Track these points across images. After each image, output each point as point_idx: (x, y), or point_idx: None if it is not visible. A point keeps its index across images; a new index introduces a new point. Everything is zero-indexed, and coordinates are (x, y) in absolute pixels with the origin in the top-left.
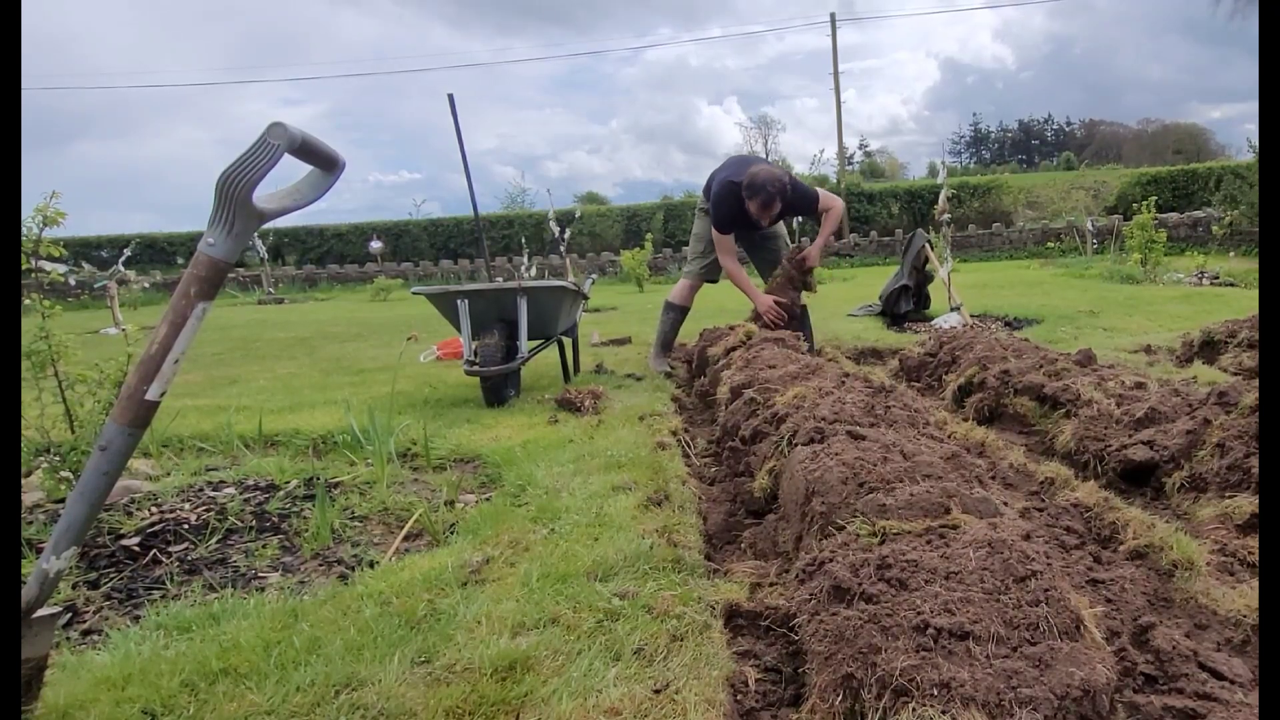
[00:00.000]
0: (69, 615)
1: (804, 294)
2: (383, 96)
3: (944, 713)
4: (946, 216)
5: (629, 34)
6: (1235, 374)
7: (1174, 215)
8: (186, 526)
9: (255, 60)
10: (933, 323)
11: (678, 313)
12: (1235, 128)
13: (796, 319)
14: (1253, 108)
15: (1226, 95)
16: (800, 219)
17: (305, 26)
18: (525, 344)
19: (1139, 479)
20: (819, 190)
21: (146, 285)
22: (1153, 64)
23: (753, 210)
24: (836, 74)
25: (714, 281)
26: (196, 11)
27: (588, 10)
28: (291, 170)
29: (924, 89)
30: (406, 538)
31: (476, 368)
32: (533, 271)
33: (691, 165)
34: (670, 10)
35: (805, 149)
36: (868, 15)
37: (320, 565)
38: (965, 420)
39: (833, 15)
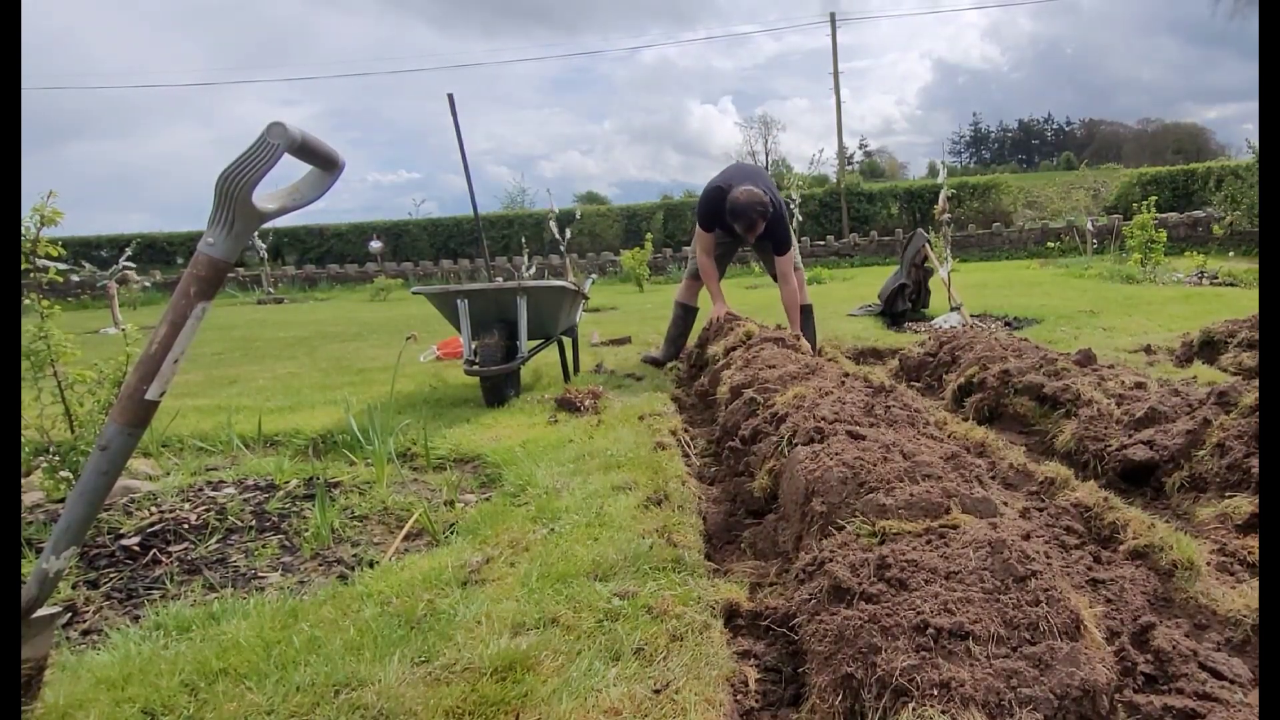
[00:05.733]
0: (69, 615)
1: (806, 292)
2: (380, 97)
3: (944, 713)
4: (946, 216)
5: (616, 35)
6: (1235, 374)
7: (1174, 215)
8: (186, 526)
9: (253, 61)
10: (932, 323)
11: (680, 309)
12: (1233, 128)
13: None
14: (1249, 108)
15: (1221, 96)
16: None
17: (301, 27)
18: (525, 344)
19: (1139, 479)
20: (793, 241)
21: (147, 285)
22: (1143, 65)
23: (738, 230)
24: (836, 74)
25: None
26: (194, 11)
27: (573, 11)
28: (291, 170)
29: (916, 89)
30: (406, 538)
31: (476, 368)
32: (532, 271)
33: (687, 165)
34: (658, 10)
35: (800, 149)
36: (856, 16)
37: (320, 565)
38: (965, 420)
39: (832, 15)
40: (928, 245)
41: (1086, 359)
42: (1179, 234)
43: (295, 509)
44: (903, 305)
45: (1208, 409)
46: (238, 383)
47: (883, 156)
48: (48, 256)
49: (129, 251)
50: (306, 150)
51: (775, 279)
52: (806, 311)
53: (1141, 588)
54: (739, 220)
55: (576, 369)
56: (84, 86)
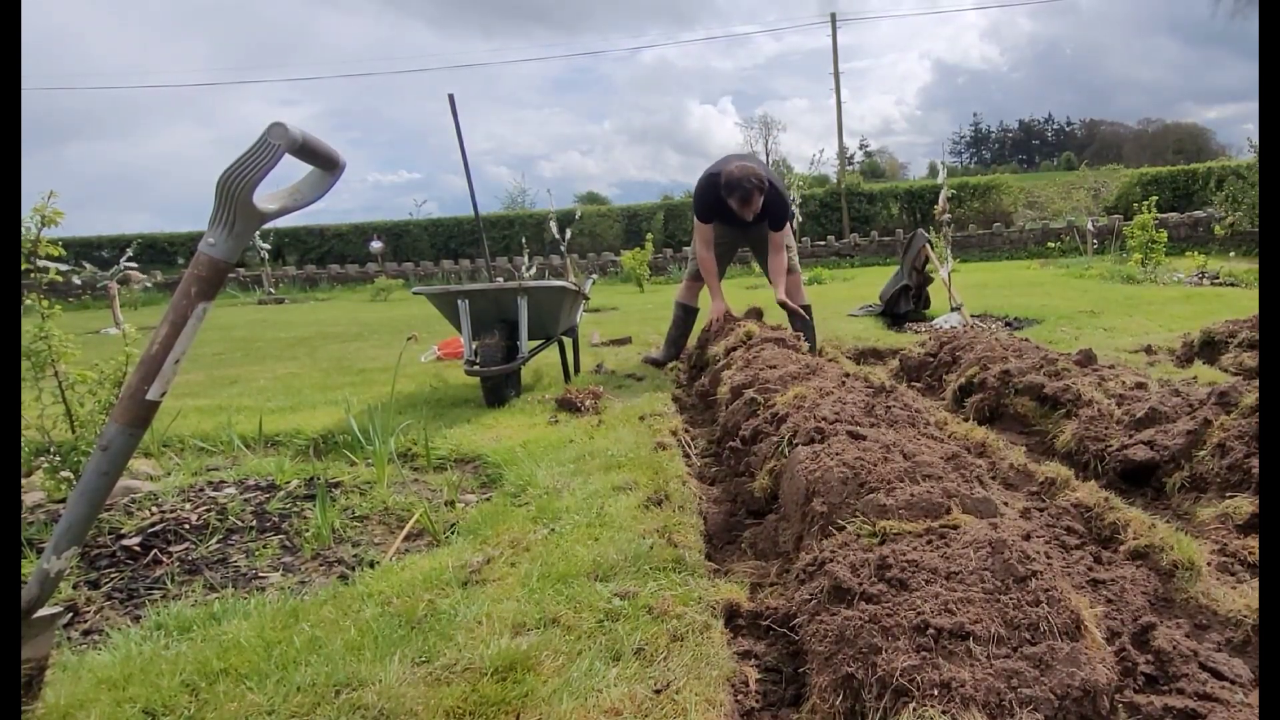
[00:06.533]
0: (70, 615)
1: (805, 293)
2: (380, 97)
3: (944, 713)
4: (947, 216)
5: (616, 35)
6: (1236, 374)
7: (1174, 215)
8: (187, 526)
9: (254, 61)
10: (933, 323)
11: (681, 310)
12: (1233, 128)
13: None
14: (1249, 108)
15: (1221, 96)
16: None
17: (301, 28)
18: (525, 344)
19: (1139, 479)
20: (790, 215)
21: (148, 285)
22: (1143, 65)
23: (734, 207)
24: (837, 74)
25: None
26: (195, 11)
27: (573, 11)
28: (292, 170)
29: (916, 89)
30: (407, 538)
31: (477, 368)
32: (533, 271)
33: (686, 165)
34: (658, 11)
35: (800, 149)
36: (856, 16)
37: (321, 565)
38: (965, 420)
39: (833, 16)
40: (928, 245)
41: (1087, 359)
42: (1179, 234)
43: (296, 509)
44: (905, 306)
45: (1208, 409)
46: (238, 383)
47: (883, 157)
48: (48, 257)
49: (130, 252)
50: (307, 150)
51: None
52: (805, 312)
53: (1142, 588)
54: (735, 193)
55: (577, 369)
56: (84, 86)
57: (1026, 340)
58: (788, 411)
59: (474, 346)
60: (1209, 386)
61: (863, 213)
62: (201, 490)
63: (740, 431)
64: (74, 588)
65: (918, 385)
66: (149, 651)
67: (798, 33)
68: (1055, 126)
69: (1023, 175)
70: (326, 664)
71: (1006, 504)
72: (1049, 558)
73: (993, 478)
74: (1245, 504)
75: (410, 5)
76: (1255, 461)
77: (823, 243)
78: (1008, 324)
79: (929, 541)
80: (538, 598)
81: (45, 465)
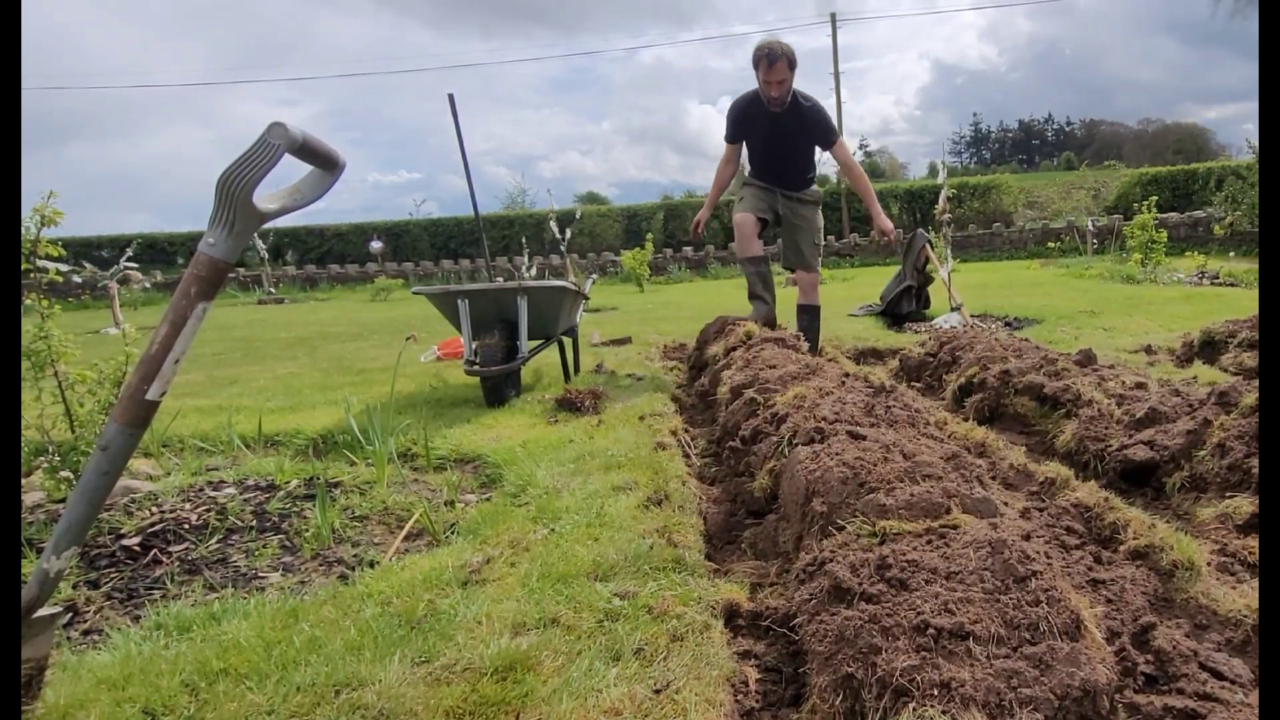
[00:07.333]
0: (69, 615)
1: (818, 294)
2: (380, 97)
3: (944, 713)
4: (947, 216)
5: (615, 35)
6: (1236, 374)
7: (1174, 215)
8: (187, 526)
9: (253, 61)
10: (933, 323)
11: (750, 264)
12: (1233, 128)
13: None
14: (1249, 108)
15: (1221, 96)
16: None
17: (301, 27)
18: (525, 344)
19: (1139, 479)
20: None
21: (147, 285)
22: (1142, 65)
23: (760, 78)
24: (837, 74)
25: (765, 220)
26: (194, 11)
27: (572, 11)
28: (292, 170)
29: (915, 89)
30: (407, 538)
31: (477, 368)
32: (533, 271)
33: (686, 165)
34: (656, 11)
35: None
36: (854, 16)
37: (320, 565)
38: (965, 420)
39: (833, 16)
40: (929, 246)
41: (1087, 359)
42: (1179, 234)
43: (296, 509)
44: (908, 307)
45: (1208, 409)
46: (238, 383)
47: (883, 157)
48: (48, 257)
49: (130, 252)
50: (307, 150)
51: (793, 270)
52: (813, 313)
53: (1142, 588)
54: (761, 61)
55: (577, 369)
56: (84, 86)
57: (1026, 340)
58: (788, 411)
59: (474, 346)
60: (1209, 386)
61: (863, 213)
62: (201, 490)
63: (740, 431)
64: (74, 588)
65: (918, 385)
66: (149, 651)
67: (796, 33)
68: (1055, 126)
69: (1023, 175)
70: (326, 664)
71: (1006, 504)
72: (1049, 558)
73: (993, 478)
74: (1245, 504)
75: (409, 5)
76: (1255, 461)
77: (824, 243)
78: (1008, 324)
79: (929, 541)
80: (538, 598)
81: (45, 465)
